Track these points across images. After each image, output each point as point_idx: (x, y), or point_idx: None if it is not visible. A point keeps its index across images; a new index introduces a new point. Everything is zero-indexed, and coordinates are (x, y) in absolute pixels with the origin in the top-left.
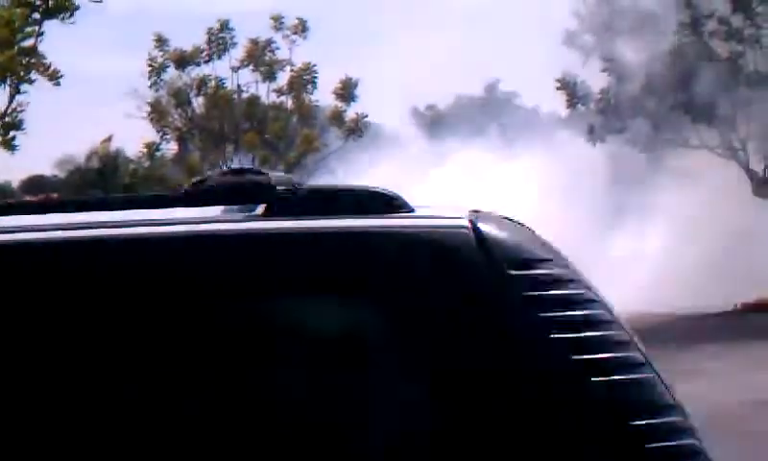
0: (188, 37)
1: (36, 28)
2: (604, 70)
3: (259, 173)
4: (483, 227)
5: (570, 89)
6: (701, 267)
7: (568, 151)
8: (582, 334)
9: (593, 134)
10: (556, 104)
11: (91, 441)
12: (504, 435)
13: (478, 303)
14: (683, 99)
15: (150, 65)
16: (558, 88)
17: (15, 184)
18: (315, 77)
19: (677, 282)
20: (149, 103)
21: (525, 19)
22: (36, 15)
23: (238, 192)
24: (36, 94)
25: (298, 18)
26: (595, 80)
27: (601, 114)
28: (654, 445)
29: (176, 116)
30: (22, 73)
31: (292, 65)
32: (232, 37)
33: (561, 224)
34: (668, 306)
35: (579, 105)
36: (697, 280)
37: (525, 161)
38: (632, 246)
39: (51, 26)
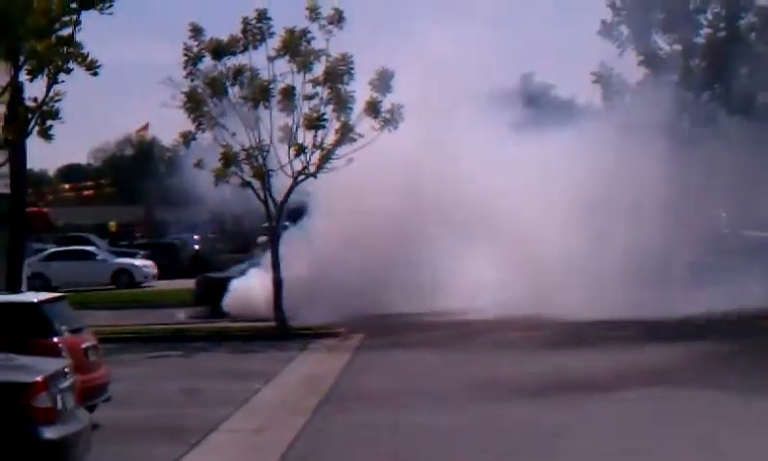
0: (225, 26)
1: (74, 17)
2: (640, 64)
3: None
4: None
5: (606, 82)
6: None
7: None
8: None
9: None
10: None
11: None
12: None
13: None
14: (719, 91)
15: (185, 55)
16: (594, 82)
17: (52, 173)
18: (351, 68)
19: None
20: (184, 92)
21: (561, 11)
22: (74, 5)
23: None
24: (73, 83)
25: (334, 8)
26: (631, 72)
27: (637, 107)
28: None
29: (211, 105)
30: (60, 62)
31: (328, 56)
32: (269, 27)
33: None
34: None
35: (615, 97)
36: None
37: None
38: None
39: (88, 15)
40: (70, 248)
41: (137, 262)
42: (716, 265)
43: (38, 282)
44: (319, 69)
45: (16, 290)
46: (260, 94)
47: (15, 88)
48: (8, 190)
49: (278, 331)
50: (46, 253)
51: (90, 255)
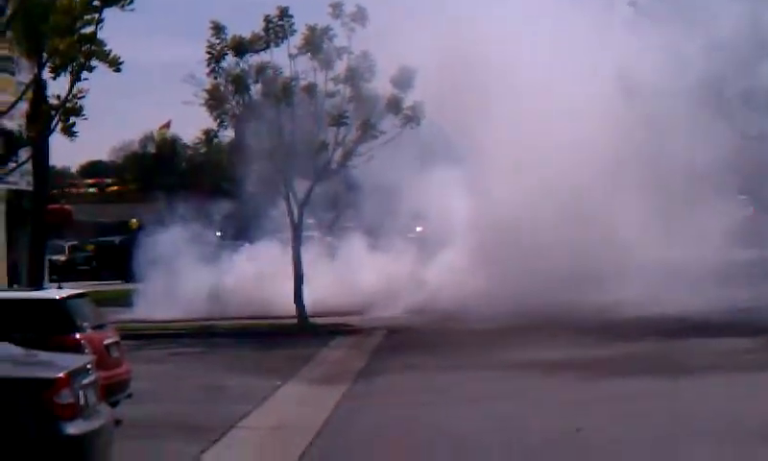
0: (248, 24)
1: (96, 15)
2: (658, 60)
3: None
4: None
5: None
6: None
7: None
8: None
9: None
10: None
11: None
12: None
13: None
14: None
15: (209, 52)
16: (618, 77)
17: (75, 169)
18: (373, 65)
19: None
20: (206, 90)
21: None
22: (96, 2)
23: None
24: (96, 80)
25: (356, 6)
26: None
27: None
28: None
29: (233, 103)
30: (82, 60)
31: (350, 53)
32: (291, 25)
33: None
34: None
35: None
36: None
37: None
38: None
39: (110, 12)
40: None
41: None
42: None
43: None
44: (341, 67)
45: (39, 286)
46: (282, 92)
47: (39, 86)
48: (31, 187)
49: (299, 328)
50: None
51: None
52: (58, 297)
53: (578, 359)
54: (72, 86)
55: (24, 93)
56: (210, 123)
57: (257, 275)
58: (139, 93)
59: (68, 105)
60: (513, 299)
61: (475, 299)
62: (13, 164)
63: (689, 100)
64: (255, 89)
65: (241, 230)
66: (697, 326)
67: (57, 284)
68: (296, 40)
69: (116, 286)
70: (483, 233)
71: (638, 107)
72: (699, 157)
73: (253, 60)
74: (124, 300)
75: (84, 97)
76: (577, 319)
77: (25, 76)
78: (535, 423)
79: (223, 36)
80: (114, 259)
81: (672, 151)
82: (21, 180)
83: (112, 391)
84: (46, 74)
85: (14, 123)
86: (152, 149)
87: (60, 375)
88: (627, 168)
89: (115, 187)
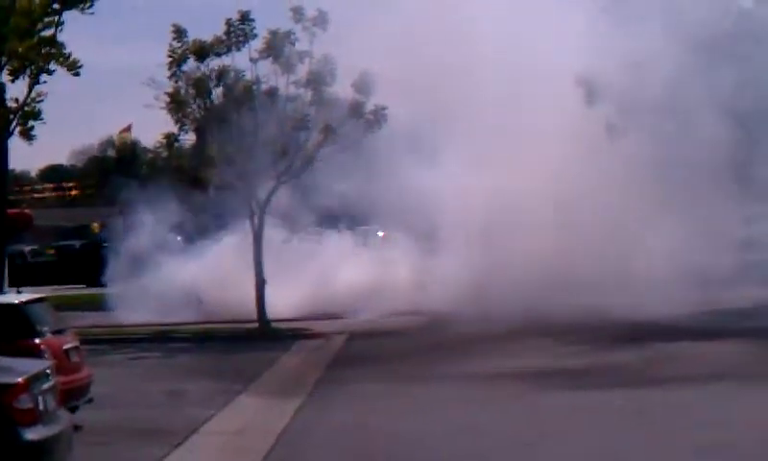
0: (210, 27)
1: (56, 18)
2: (625, 65)
3: None
4: None
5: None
6: None
7: None
8: None
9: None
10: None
11: None
12: None
13: None
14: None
15: (170, 56)
16: (577, 83)
17: (34, 173)
18: (333, 69)
19: None
20: (167, 93)
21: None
22: (56, 5)
23: None
24: (57, 85)
25: (317, 10)
26: (617, 74)
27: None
28: None
29: (194, 107)
30: (41, 63)
31: (311, 57)
32: (252, 29)
33: None
34: None
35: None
36: None
37: None
38: None
39: (70, 15)
40: None
41: None
42: None
43: None
44: (302, 70)
45: None
46: (244, 95)
47: None
48: None
49: (261, 332)
50: None
51: None
52: (17, 301)
53: (551, 368)
54: (31, 90)
55: None
56: (171, 127)
57: (219, 278)
58: (99, 97)
59: (27, 108)
60: (491, 303)
61: (460, 303)
62: None
63: (658, 105)
64: (217, 93)
65: (203, 234)
66: (679, 331)
67: (16, 289)
68: (257, 44)
69: (78, 290)
70: (468, 235)
71: (605, 111)
72: (678, 161)
73: (215, 63)
74: (85, 304)
75: (42, 101)
76: (557, 323)
77: None
78: (499, 433)
79: (184, 40)
80: (76, 264)
81: (650, 154)
82: None
83: (72, 396)
84: (5, 77)
85: None
86: (112, 153)
87: (19, 380)
88: (609, 171)
89: (75, 191)
